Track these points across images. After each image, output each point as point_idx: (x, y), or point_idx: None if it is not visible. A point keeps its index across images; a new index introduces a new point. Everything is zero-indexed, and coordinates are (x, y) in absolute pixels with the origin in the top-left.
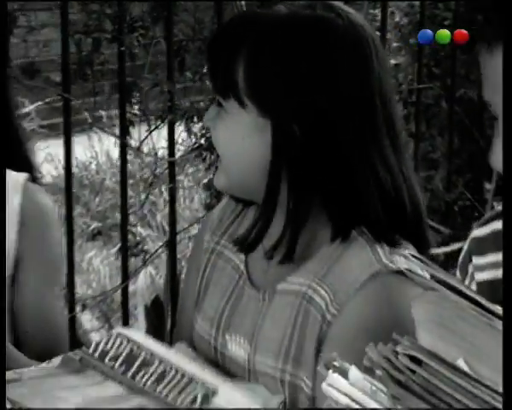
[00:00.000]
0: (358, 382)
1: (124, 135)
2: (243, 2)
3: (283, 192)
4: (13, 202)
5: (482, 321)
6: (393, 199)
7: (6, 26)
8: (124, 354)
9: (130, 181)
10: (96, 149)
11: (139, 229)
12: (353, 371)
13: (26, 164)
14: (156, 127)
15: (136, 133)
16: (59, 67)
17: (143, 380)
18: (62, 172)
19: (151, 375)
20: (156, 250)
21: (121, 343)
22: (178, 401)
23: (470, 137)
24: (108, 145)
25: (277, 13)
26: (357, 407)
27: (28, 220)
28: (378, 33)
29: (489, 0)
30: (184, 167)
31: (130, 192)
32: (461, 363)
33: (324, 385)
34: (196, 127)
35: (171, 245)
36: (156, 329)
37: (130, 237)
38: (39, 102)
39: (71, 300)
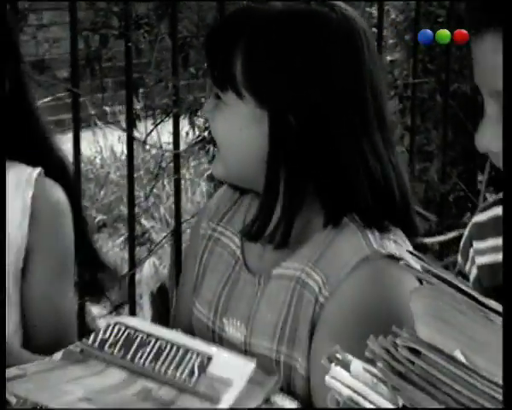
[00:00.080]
0: (360, 374)
1: (131, 127)
2: (244, 3)
3: (280, 181)
4: (25, 195)
5: (478, 314)
6: (383, 187)
7: (17, 23)
8: (121, 340)
9: (135, 175)
10: (100, 144)
11: (143, 221)
12: (355, 364)
13: (51, 156)
14: (162, 120)
15: (142, 127)
16: (67, 64)
17: (142, 360)
18: None
19: (148, 354)
20: (162, 239)
21: (119, 331)
22: (177, 375)
23: (464, 130)
24: (112, 140)
25: (273, 7)
26: (359, 398)
27: (39, 214)
28: (375, 30)
29: None
30: (188, 160)
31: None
32: (458, 354)
33: (327, 378)
34: (200, 121)
35: (176, 234)
36: (161, 315)
37: (136, 226)
38: (46, 99)
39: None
